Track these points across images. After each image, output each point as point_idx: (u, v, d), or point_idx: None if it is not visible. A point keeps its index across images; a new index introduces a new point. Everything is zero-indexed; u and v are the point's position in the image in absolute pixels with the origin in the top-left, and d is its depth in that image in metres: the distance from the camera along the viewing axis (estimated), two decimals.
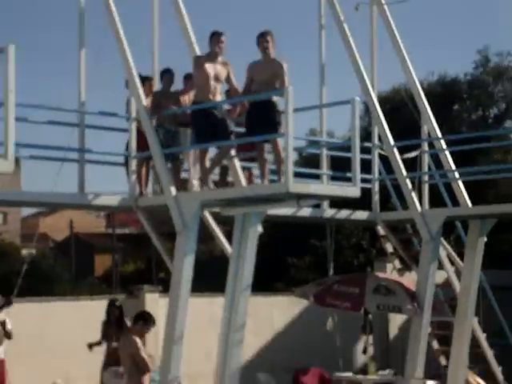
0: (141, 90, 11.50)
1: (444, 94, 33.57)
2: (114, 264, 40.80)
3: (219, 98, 11.12)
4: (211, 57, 10.91)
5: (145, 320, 10.46)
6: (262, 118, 10.49)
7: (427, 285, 13.19)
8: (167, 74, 12.05)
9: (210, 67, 10.82)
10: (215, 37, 10.88)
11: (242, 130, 11.25)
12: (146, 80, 11.98)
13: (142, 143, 11.53)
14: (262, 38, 10.82)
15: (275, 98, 10.60)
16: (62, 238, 54.13)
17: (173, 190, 11.08)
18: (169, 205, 11.02)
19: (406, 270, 15.21)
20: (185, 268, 10.84)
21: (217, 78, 10.91)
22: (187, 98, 12.36)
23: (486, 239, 13.81)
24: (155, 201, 11.70)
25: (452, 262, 14.65)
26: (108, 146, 12.27)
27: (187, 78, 12.28)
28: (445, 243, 14.48)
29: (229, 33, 10.95)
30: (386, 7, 14.63)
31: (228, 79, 11.05)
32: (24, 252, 46.14)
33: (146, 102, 11.45)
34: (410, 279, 14.45)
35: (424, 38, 50.91)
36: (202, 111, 10.86)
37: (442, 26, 51.92)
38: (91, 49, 12.04)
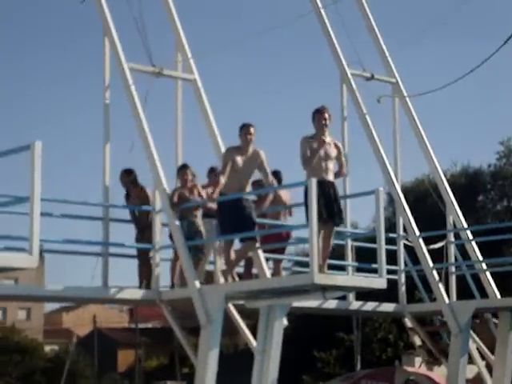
0: (165, 184, 11.54)
1: (468, 185, 33.54)
2: (137, 359, 40.34)
3: (248, 189, 11.11)
4: (240, 149, 10.95)
5: None
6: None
7: (458, 379, 12.86)
8: (183, 169, 12.08)
9: (238, 159, 10.86)
10: (244, 128, 10.94)
11: (267, 221, 11.19)
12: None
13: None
14: (320, 115, 10.75)
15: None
16: (85, 333, 53.76)
17: (197, 282, 10.98)
18: (193, 298, 10.90)
19: (436, 364, 14.84)
20: (209, 363, 10.66)
21: (246, 171, 10.93)
22: (210, 191, 12.39)
23: None
24: (179, 294, 11.56)
25: (483, 356, 14.30)
26: (131, 239, 12.25)
27: (211, 171, 12.33)
28: (475, 336, 14.17)
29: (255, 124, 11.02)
30: (407, 99, 14.72)
31: (260, 168, 11.04)
32: (47, 348, 45.87)
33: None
34: (439, 373, 14.10)
35: (446, 128, 51.37)
36: (228, 203, 10.84)
37: (464, 116, 52.42)
38: (116, 142, 12.18)
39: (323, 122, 10.70)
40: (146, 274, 11.92)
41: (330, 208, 10.46)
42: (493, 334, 13.77)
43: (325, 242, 10.59)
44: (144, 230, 11.93)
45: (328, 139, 10.76)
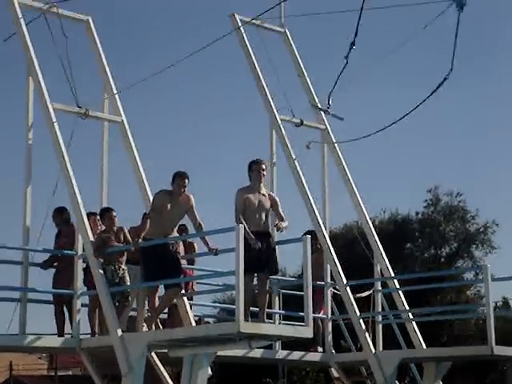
0: (88, 227, 11.25)
1: (396, 232, 33.81)
2: None
3: (174, 234, 10.89)
4: (171, 194, 10.76)
5: None
6: None
7: None
8: (108, 213, 11.81)
9: (167, 204, 10.65)
10: (178, 179, 10.76)
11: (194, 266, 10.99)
12: (90, 215, 11.75)
13: (92, 281, 11.17)
14: (258, 166, 10.89)
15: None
16: (1, 381, 51.96)
17: (119, 330, 10.66)
18: (114, 346, 10.58)
19: None
20: None
21: (173, 215, 10.73)
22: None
23: (441, 383, 13.47)
24: (100, 342, 11.23)
25: None
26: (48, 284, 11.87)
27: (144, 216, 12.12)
28: None
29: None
30: (336, 145, 14.73)
31: (190, 212, 10.84)
32: None
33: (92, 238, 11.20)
34: None
35: (375, 175, 51.91)
36: (152, 247, 10.60)
37: (392, 162, 53.12)
38: (40, 183, 11.89)
39: (260, 173, 10.89)
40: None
41: (262, 258, 10.51)
42: None
43: (260, 291, 10.59)
44: (61, 271, 11.60)
45: (263, 191, 10.94)
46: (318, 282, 13.03)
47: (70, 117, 12.06)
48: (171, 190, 10.82)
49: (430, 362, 13.39)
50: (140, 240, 10.71)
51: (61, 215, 11.95)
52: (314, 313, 12.95)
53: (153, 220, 10.73)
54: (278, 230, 11.04)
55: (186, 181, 10.83)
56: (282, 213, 11.08)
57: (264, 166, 10.99)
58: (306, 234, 13.57)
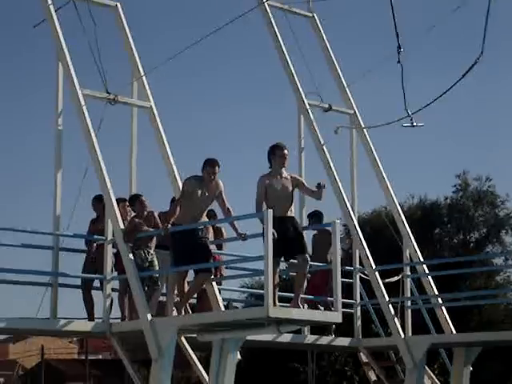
0: (118, 213, 11.31)
1: (425, 218, 33.68)
2: None
3: (204, 219, 10.91)
4: (201, 181, 10.77)
5: None
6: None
7: None
8: (138, 198, 11.86)
9: (198, 190, 10.68)
10: (209, 167, 10.75)
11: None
12: (119, 201, 11.80)
13: (122, 266, 11.24)
14: (281, 151, 10.71)
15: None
16: (32, 365, 52.53)
17: (149, 315, 10.73)
18: (144, 331, 10.64)
19: None
20: None
21: (203, 201, 10.75)
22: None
23: (471, 368, 13.43)
24: (130, 326, 11.29)
25: None
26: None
27: (173, 201, 12.19)
28: (429, 372, 14.04)
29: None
30: (365, 130, 14.68)
31: (218, 198, 10.86)
32: None
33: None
34: None
35: (404, 160, 51.72)
36: (181, 233, 10.63)
37: (421, 148, 52.83)
38: (69, 169, 11.96)
39: (284, 158, 10.76)
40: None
41: (294, 243, 10.40)
42: None
43: (298, 277, 10.55)
44: (96, 259, 11.68)
45: (285, 174, 10.82)
46: (320, 264, 12.83)
47: (99, 103, 12.10)
48: (201, 177, 10.83)
49: (459, 347, 13.34)
50: (169, 225, 10.75)
51: (100, 202, 11.97)
52: (318, 296, 12.93)
53: (183, 205, 10.76)
54: (320, 188, 10.84)
55: (217, 168, 10.83)
56: (306, 186, 10.97)
57: (287, 152, 10.87)
58: (311, 214, 13.52)
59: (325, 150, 13.96)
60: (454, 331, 13.57)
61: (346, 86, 14.94)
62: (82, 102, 11.77)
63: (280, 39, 14.43)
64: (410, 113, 10.61)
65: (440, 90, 9.92)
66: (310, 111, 14.18)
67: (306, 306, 12.53)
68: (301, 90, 14.26)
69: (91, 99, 12.03)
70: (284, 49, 14.40)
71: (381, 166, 14.57)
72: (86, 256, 11.86)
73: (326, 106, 14.44)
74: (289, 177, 10.85)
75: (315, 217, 13.59)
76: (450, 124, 53.93)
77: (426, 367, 13.54)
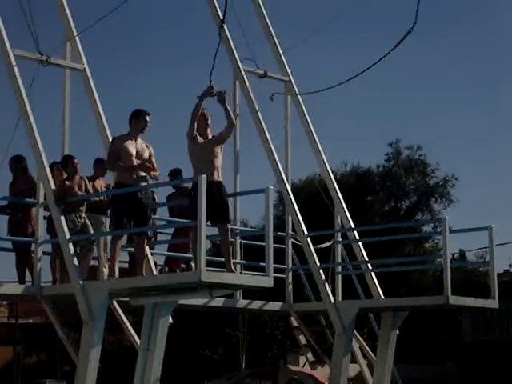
0: (49, 175, 11.19)
1: (357, 185, 34.09)
2: (16, 356, 39.17)
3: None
4: (131, 135, 10.60)
5: None
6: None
7: (340, 378, 12.94)
8: (70, 160, 11.73)
9: (131, 146, 10.54)
10: (141, 117, 10.56)
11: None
12: (54, 164, 11.67)
13: (54, 230, 11.14)
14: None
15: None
16: None
17: (80, 278, 10.68)
18: (75, 294, 10.60)
19: (319, 363, 14.93)
20: (90, 360, 10.38)
21: (140, 158, 10.57)
22: (101, 184, 12.10)
23: (397, 332, 13.72)
24: (61, 290, 11.23)
25: (365, 355, 14.45)
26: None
27: (97, 162, 12.07)
28: (358, 336, 14.31)
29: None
30: (299, 97, 14.75)
31: (148, 162, 10.64)
32: None
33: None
34: (323, 372, 14.17)
35: (338, 128, 52.03)
36: (121, 195, 10.45)
37: (355, 116, 53.14)
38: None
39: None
40: (27, 267, 11.55)
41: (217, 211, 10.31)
42: None
43: (223, 244, 10.56)
44: (19, 221, 11.53)
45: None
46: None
47: (31, 64, 11.90)
48: (128, 134, 10.56)
49: (387, 311, 13.62)
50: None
51: (19, 163, 11.79)
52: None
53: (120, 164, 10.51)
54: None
55: (148, 118, 10.57)
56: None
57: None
58: (171, 172, 13.22)
59: (259, 116, 14.00)
60: (383, 296, 13.83)
61: (281, 53, 14.97)
62: (13, 62, 11.56)
63: (216, 3, 14.36)
64: None
65: (376, 56, 10.02)
66: (245, 77, 14.18)
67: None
68: (236, 55, 14.25)
69: (24, 60, 11.82)
70: (220, 14, 14.34)
71: (314, 133, 14.68)
72: (12, 219, 11.66)
73: (262, 72, 14.46)
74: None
75: (178, 174, 13.18)
76: (383, 92, 54.39)
77: (355, 331, 13.80)
